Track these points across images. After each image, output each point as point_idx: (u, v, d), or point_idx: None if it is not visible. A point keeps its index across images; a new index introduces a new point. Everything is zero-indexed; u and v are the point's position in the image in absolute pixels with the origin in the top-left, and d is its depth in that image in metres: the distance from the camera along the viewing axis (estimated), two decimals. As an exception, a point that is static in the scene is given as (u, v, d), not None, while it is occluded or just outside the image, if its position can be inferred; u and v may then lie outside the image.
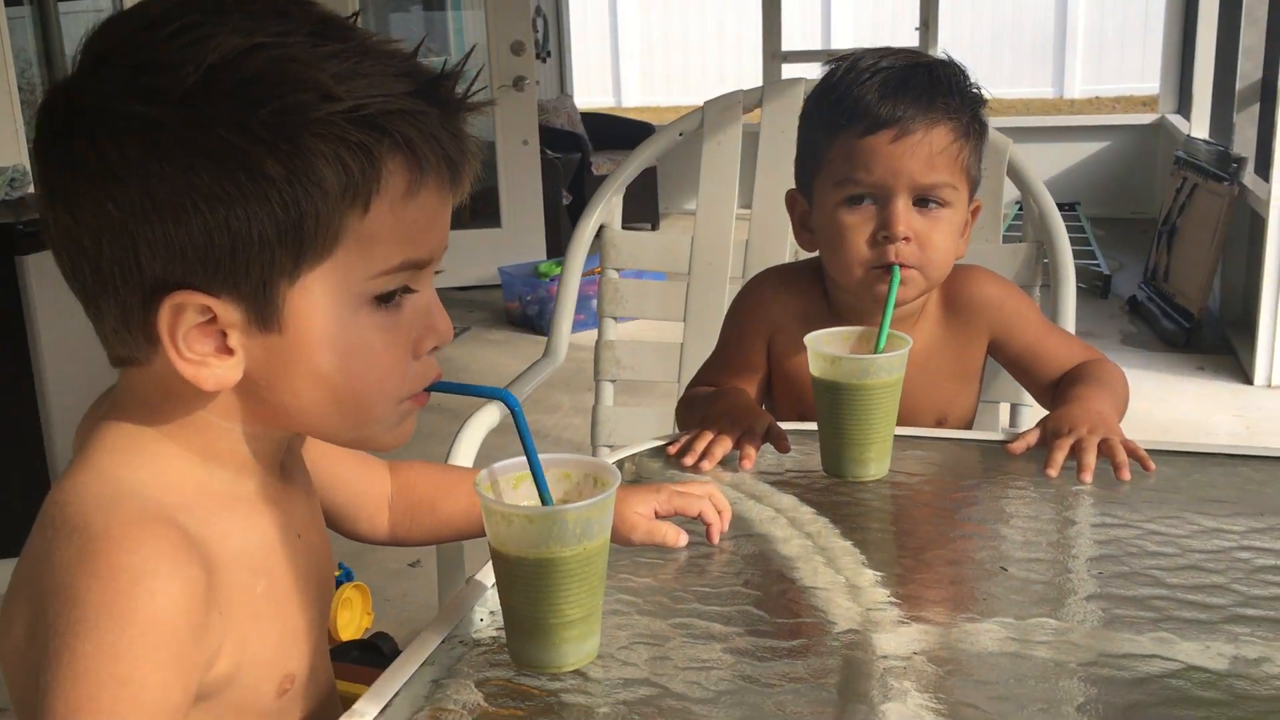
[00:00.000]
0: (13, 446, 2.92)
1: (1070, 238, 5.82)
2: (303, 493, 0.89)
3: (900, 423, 1.22)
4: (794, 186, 1.36)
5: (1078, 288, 5.50)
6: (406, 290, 0.77)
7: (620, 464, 1.23)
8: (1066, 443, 1.14)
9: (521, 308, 5.03)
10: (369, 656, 2.33)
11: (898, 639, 0.87)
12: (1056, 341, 1.35)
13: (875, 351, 1.14)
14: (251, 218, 0.69)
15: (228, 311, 0.72)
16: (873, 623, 0.90)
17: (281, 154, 0.68)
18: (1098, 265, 5.54)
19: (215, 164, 0.68)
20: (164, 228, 0.70)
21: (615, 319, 1.81)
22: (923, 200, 1.25)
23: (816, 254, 1.34)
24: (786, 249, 1.77)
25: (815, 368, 1.13)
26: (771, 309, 1.37)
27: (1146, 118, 6.98)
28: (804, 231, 1.34)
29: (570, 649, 0.83)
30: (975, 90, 1.28)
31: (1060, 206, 6.13)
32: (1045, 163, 7.00)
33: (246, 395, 0.77)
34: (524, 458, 0.85)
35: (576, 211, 6.20)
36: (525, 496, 0.85)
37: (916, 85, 1.22)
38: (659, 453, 1.24)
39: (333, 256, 0.73)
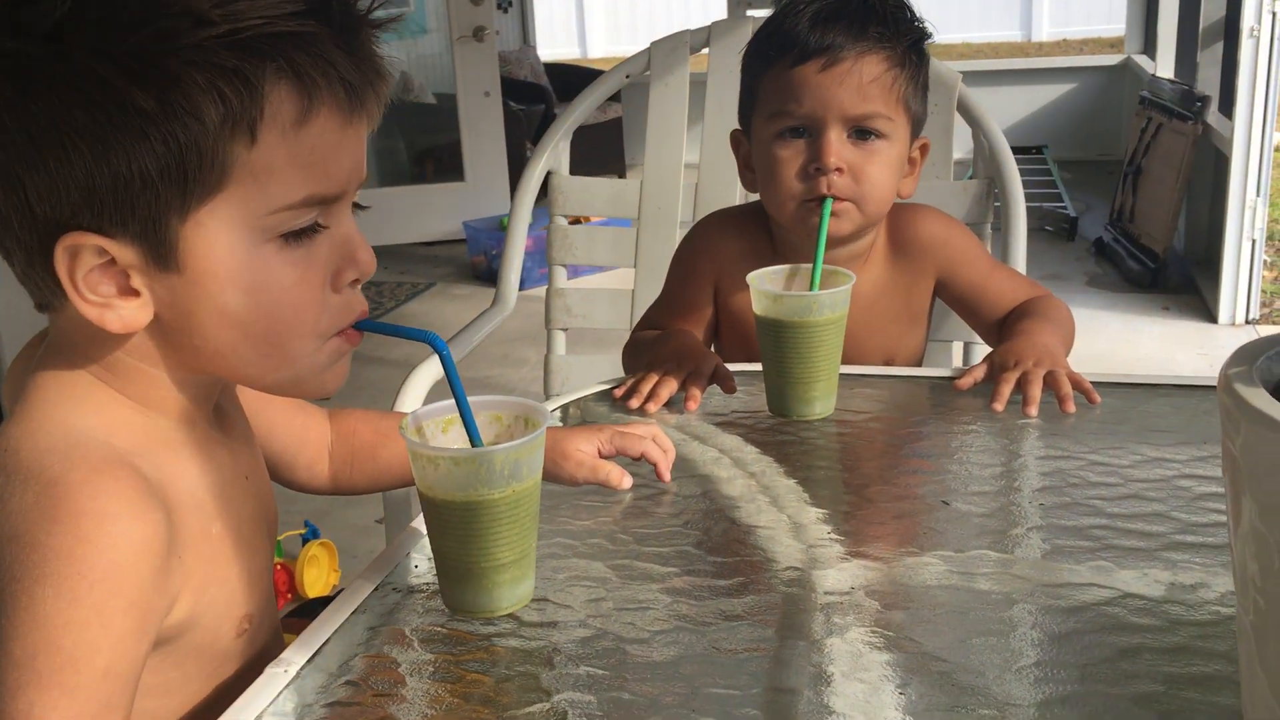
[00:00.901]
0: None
1: (1037, 181, 5.79)
2: (244, 436, 0.88)
3: (848, 364, 1.21)
4: (738, 127, 1.34)
5: (1044, 230, 5.46)
6: (317, 227, 0.75)
7: (565, 408, 1.22)
8: (1012, 376, 1.13)
9: (487, 261, 4.99)
10: (334, 613, 2.32)
11: (839, 575, 0.86)
12: (1002, 278, 1.34)
13: (811, 286, 1.12)
14: (130, 154, 0.67)
15: (124, 252, 0.70)
16: (814, 560, 0.89)
17: (152, 85, 0.65)
18: (1064, 208, 5.54)
19: (86, 99, 0.66)
20: (46, 168, 0.67)
21: (565, 266, 1.79)
22: (859, 132, 1.23)
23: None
24: (737, 192, 1.74)
25: (758, 306, 1.12)
26: (717, 251, 1.36)
27: (1113, 59, 6.96)
28: (747, 171, 1.32)
29: (503, 593, 0.82)
30: (917, 23, 1.25)
31: (1028, 150, 6.11)
32: (1013, 106, 6.98)
33: (162, 338, 0.75)
34: (453, 401, 0.84)
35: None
36: (455, 440, 0.83)
37: (849, 14, 1.21)
38: (605, 397, 1.23)
39: (224, 191, 0.70)
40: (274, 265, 0.73)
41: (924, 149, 1.31)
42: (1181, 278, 4.59)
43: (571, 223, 1.79)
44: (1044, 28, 10.37)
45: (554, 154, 1.79)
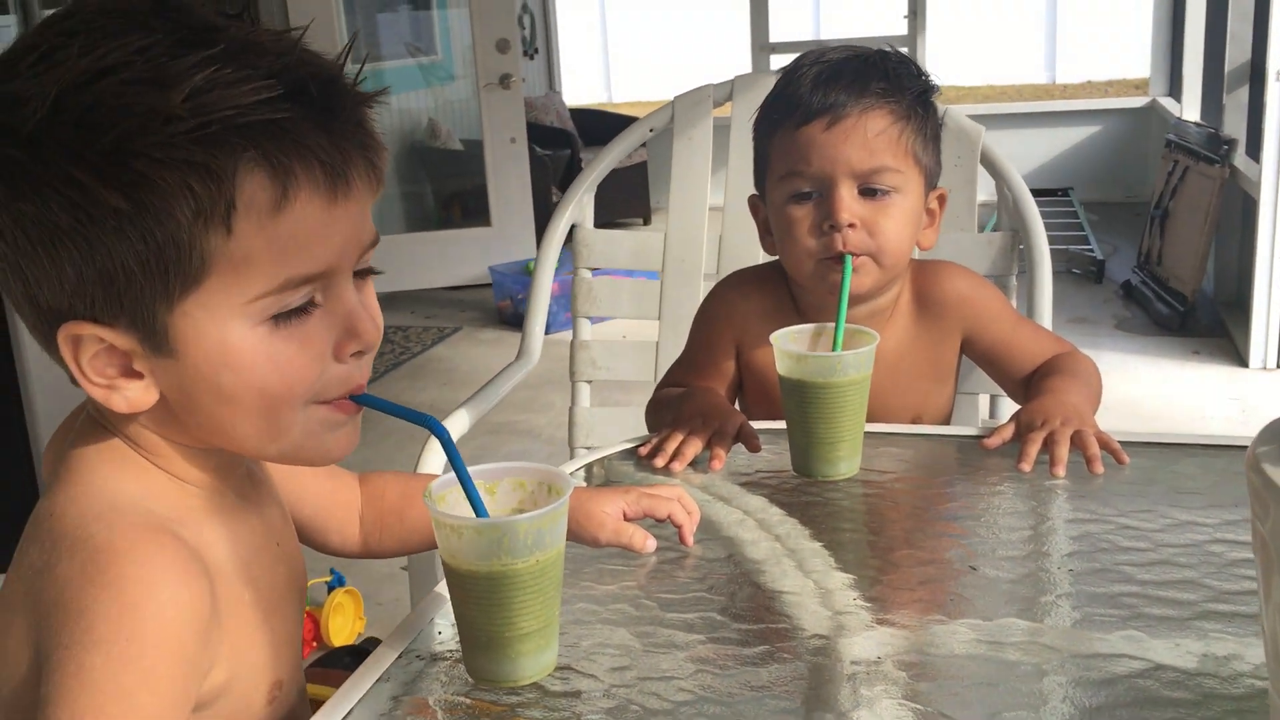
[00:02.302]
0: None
1: (1063, 223, 5.77)
2: (274, 502, 0.89)
3: (874, 421, 1.21)
4: (754, 192, 1.35)
5: (1071, 273, 5.44)
6: (311, 305, 0.74)
7: (590, 467, 1.21)
8: (1039, 436, 1.12)
9: (513, 306, 5.01)
10: (361, 661, 2.31)
11: (866, 643, 0.85)
12: (1028, 335, 1.33)
13: (834, 346, 1.12)
14: (111, 251, 0.68)
15: (121, 339, 0.72)
16: (841, 627, 0.88)
17: (123, 185, 0.67)
18: (1091, 250, 5.51)
19: (66, 200, 0.67)
20: (40, 263, 0.70)
21: (590, 319, 1.79)
22: (869, 189, 1.23)
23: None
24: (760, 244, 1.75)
25: (781, 366, 1.12)
26: (737, 311, 1.36)
27: (1138, 101, 6.95)
28: (766, 235, 1.33)
29: (527, 662, 0.82)
30: (921, 77, 1.26)
31: (1053, 192, 6.10)
32: (1038, 148, 6.98)
33: (171, 415, 0.76)
34: (477, 467, 0.84)
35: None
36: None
37: (849, 74, 1.22)
38: (629, 455, 1.23)
39: (207, 281, 0.70)
40: (266, 346, 0.73)
41: (942, 199, 1.31)
42: (1211, 321, 4.56)
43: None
44: (1068, 70, 10.39)
45: (578, 207, 1.80)
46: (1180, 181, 4.90)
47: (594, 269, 1.80)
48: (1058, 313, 5.36)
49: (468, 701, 0.81)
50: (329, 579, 2.73)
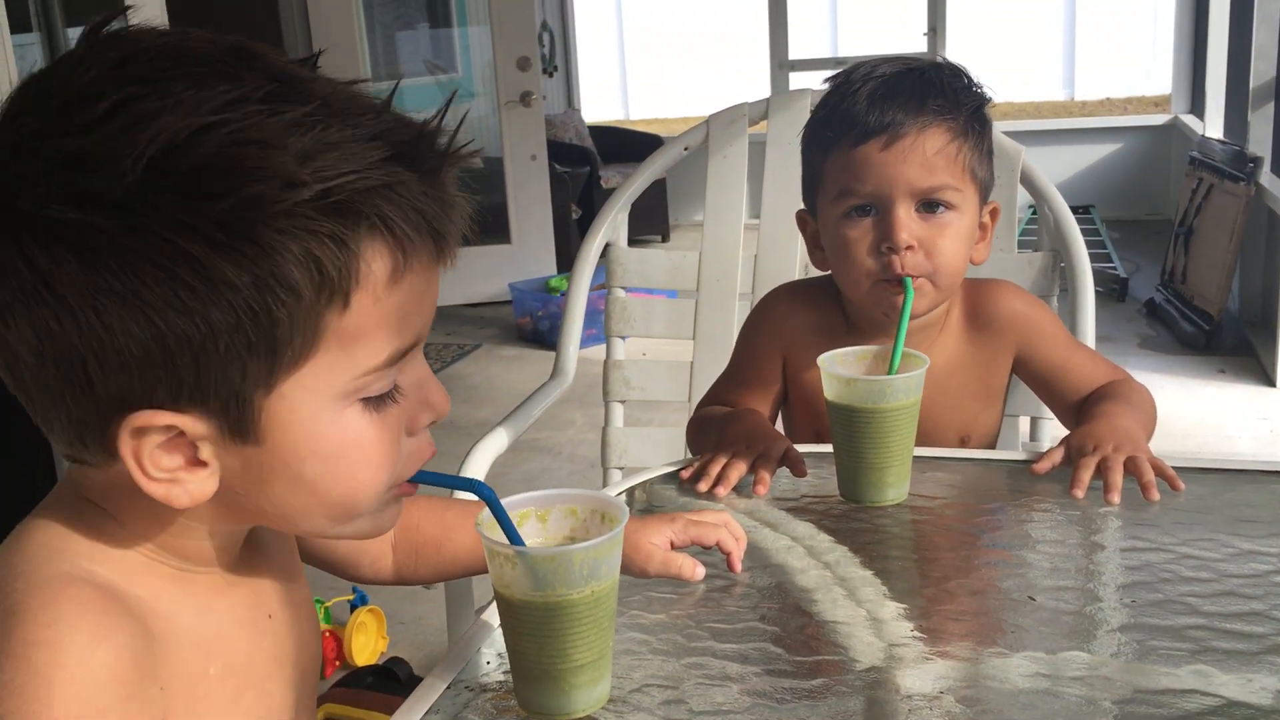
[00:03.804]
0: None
1: (1085, 241, 5.77)
2: (279, 566, 0.82)
3: (922, 442, 1.19)
4: (803, 207, 1.33)
5: (1094, 291, 5.43)
6: (396, 387, 0.70)
7: (631, 491, 1.20)
8: (1092, 461, 1.10)
9: (532, 323, 5.00)
10: (384, 682, 2.29)
11: (922, 676, 0.83)
12: (1083, 360, 1.31)
13: (889, 370, 1.10)
14: (215, 329, 0.61)
15: (196, 426, 0.65)
16: (896, 659, 0.86)
17: (243, 259, 0.60)
18: (1114, 268, 5.49)
19: (167, 274, 0.60)
20: (114, 344, 0.61)
21: (623, 338, 1.78)
22: (927, 205, 1.21)
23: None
24: (796, 263, 1.73)
25: (829, 390, 1.10)
26: (786, 324, 1.34)
27: (1159, 118, 6.92)
28: (816, 250, 1.31)
29: (580, 695, 0.80)
30: (975, 90, 1.24)
31: (1074, 210, 6.10)
32: (1059, 166, 6.95)
33: (220, 500, 0.69)
34: (529, 494, 0.82)
35: (586, 225, 6.20)
36: (527, 535, 0.82)
37: (906, 90, 1.19)
38: (671, 478, 1.21)
39: (313, 360, 0.65)
40: (354, 429, 0.68)
41: (994, 213, 1.29)
42: (1237, 340, 4.52)
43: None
44: (1088, 87, 10.37)
45: (611, 226, 1.78)
46: (1205, 199, 4.87)
47: (627, 288, 1.79)
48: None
49: (520, 735, 0.79)
50: (351, 597, 2.71)
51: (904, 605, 0.94)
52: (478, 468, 1.46)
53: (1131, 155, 6.91)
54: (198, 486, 0.67)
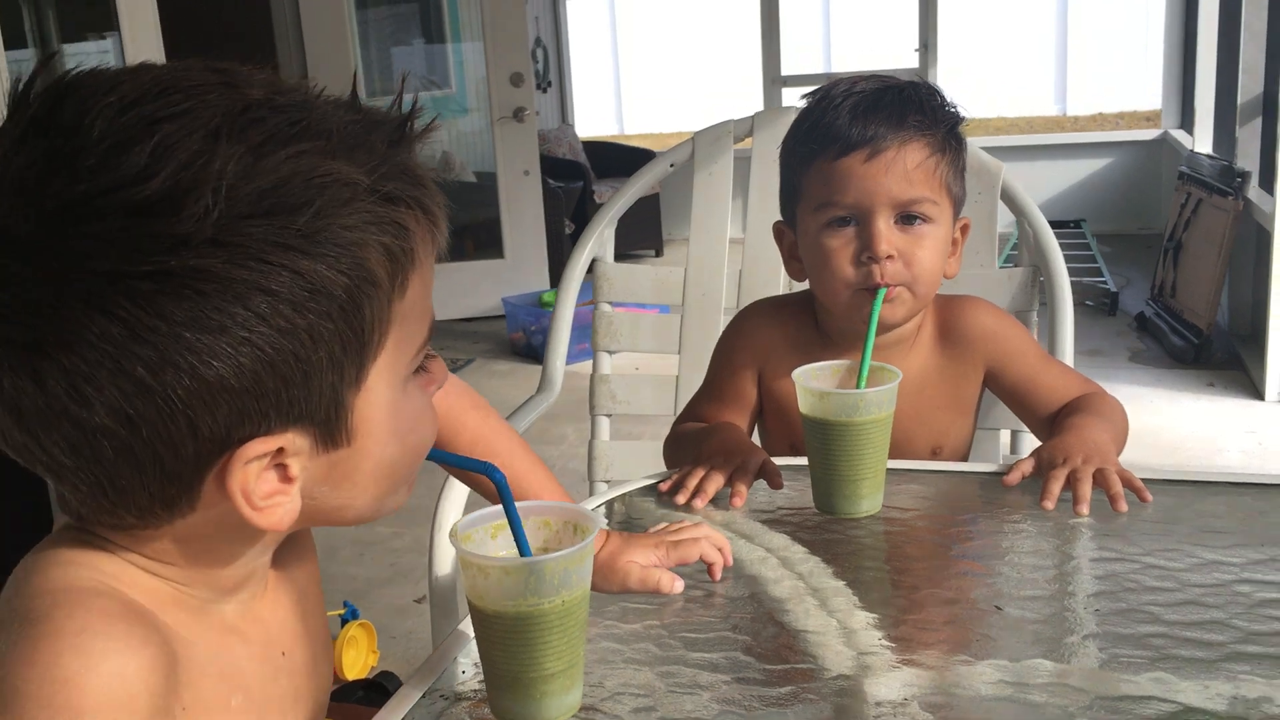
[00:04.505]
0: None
1: (1076, 255, 5.79)
2: (299, 596, 0.83)
3: (894, 453, 1.20)
4: (780, 219, 1.35)
5: (1084, 305, 5.46)
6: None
7: (611, 504, 1.21)
8: (1062, 473, 1.12)
9: (525, 338, 5.02)
10: (374, 696, 2.30)
11: (891, 684, 0.85)
12: (1055, 374, 1.33)
13: (859, 382, 1.12)
14: (316, 339, 0.63)
15: (296, 442, 0.66)
16: (865, 667, 0.88)
17: (336, 261, 0.62)
18: (1104, 282, 5.51)
19: (271, 297, 0.61)
20: (221, 382, 0.61)
21: (610, 353, 1.80)
22: (906, 218, 1.24)
23: (807, 284, 1.33)
24: (781, 278, 1.75)
25: (803, 404, 1.12)
26: (760, 339, 1.36)
27: (1149, 133, 6.97)
28: (793, 261, 1.33)
29: (552, 703, 0.81)
30: (951, 108, 1.27)
31: (1065, 224, 6.12)
32: (1050, 180, 6.99)
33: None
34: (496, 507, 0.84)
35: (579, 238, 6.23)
36: (503, 545, 0.83)
37: (887, 105, 1.22)
38: (650, 491, 1.23)
39: (385, 348, 0.68)
40: (416, 404, 0.72)
41: (965, 228, 1.32)
42: (1226, 354, 4.54)
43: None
44: (1079, 102, 10.42)
45: (599, 241, 1.80)
46: (1193, 214, 4.90)
47: (614, 302, 1.81)
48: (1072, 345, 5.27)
49: (493, 742, 0.81)
50: (342, 612, 2.72)
51: (874, 615, 0.96)
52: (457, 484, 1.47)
53: (1122, 170, 6.95)
54: (292, 504, 0.68)
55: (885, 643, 0.91)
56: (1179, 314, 4.76)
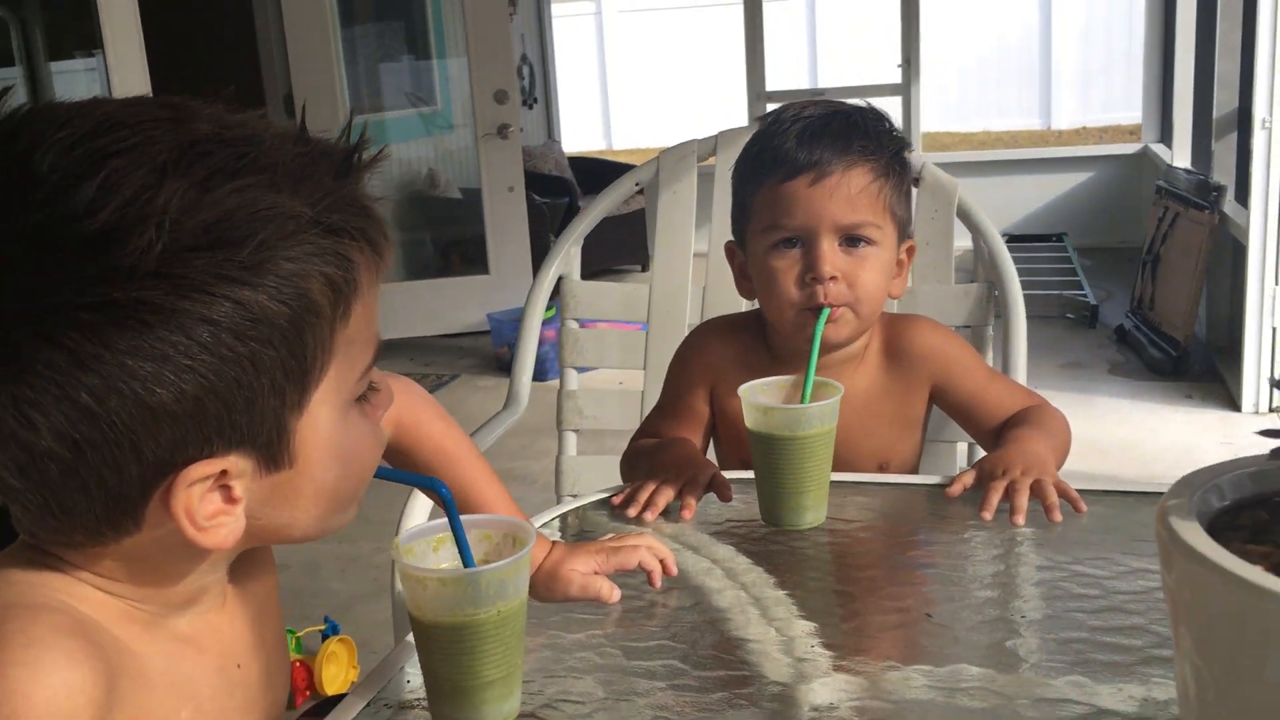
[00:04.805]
0: None
1: (1057, 268, 5.81)
2: (255, 610, 0.85)
3: (841, 467, 1.24)
4: (731, 239, 1.39)
5: (1065, 318, 5.48)
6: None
7: (564, 517, 1.24)
8: (1000, 485, 1.15)
9: (510, 353, 5.03)
10: (351, 710, 2.32)
11: (823, 690, 0.88)
12: (999, 389, 1.36)
13: (803, 398, 1.15)
14: (259, 366, 0.66)
15: (239, 464, 0.69)
16: (801, 675, 0.91)
17: (278, 292, 0.65)
18: (1084, 295, 5.56)
19: (213, 326, 0.63)
20: (165, 408, 0.64)
21: (577, 369, 1.83)
22: (850, 240, 1.27)
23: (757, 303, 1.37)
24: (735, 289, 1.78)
25: (749, 419, 1.15)
26: (711, 358, 1.39)
27: (1131, 147, 7.02)
28: (743, 281, 1.37)
29: (490, 710, 0.84)
30: (896, 134, 1.31)
31: (1047, 238, 6.14)
32: (1032, 194, 7.04)
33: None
34: (441, 520, 0.87)
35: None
36: (446, 558, 0.86)
37: (833, 131, 1.26)
38: (603, 504, 1.26)
39: (328, 374, 0.71)
40: (358, 428, 0.75)
41: (910, 251, 1.36)
42: (1204, 366, 4.58)
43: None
44: (1064, 116, 10.49)
45: (565, 259, 1.84)
46: (1170, 228, 4.95)
47: (581, 319, 1.84)
48: (1052, 357, 5.36)
49: (433, 747, 0.83)
50: (323, 627, 2.74)
51: (813, 624, 0.99)
52: (421, 497, 1.50)
53: (1104, 184, 7.00)
54: (235, 524, 0.71)
55: (821, 650, 0.94)
56: (1158, 327, 4.80)
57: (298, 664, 2.59)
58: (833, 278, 1.25)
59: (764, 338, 1.38)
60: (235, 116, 0.70)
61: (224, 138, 0.67)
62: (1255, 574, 0.52)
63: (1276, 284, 4.06)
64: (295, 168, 0.68)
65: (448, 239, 5.87)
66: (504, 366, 5.09)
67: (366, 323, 0.73)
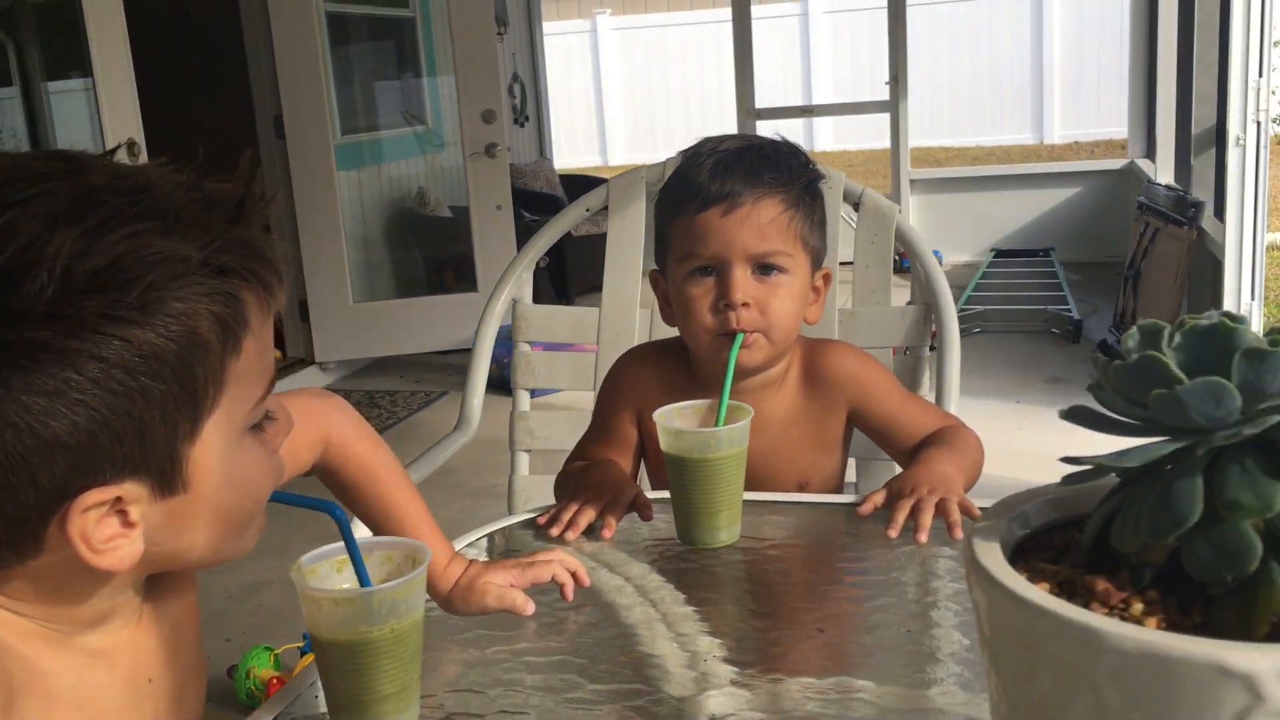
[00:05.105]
0: None
1: (1043, 283, 5.84)
2: (169, 626, 0.88)
3: (763, 487, 1.28)
4: (655, 268, 1.44)
5: (1050, 333, 5.53)
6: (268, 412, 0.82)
7: (491, 536, 1.29)
8: (907, 503, 1.19)
9: (499, 370, 5.08)
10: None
11: (719, 704, 0.92)
12: (914, 410, 1.40)
13: (717, 421, 1.20)
14: (149, 399, 0.70)
15: (133, 491, 0.73)
16: (698, 689, 0.95)
17: (166, 330, 0.69)
18: (1069, 310, 5.59)
19: (103, 363, 0.68)
20: (58, 440, 0.68)
21: (528, 391, 1.88)
22: (762, 268, 1.32)
23: None
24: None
25: (663, 442, 1.19)
26: (638, 382, 1.44)
27: (1118, 163, 7.06)
28: (667, 307, 1.41)
29: (387, 722, 0.88)
30: (809, 167, 1.35)
31: (1034, 252, 6.18)
32: (1020, 209, 7.09)
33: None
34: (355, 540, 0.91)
35: (555, 273, 6.31)
36: (349, 579, 0.91)
37: (745, 164, 1.31)
38: (530, 524, 1.30)
39: (220, 404, 0.75)
40: (251, 454, 0.80)
41: (826, 278, 1.40)
42: (1183, 380, 4.61)
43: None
44: (1055, 131, 10.55)
45: (517, 284, 1.88)
46: (1151, 243, 4.99)
47: (533, 342, 1.89)
48: (1036, 372, 5.38)
49: (332, 759, 0.88)
50: (301, 644, 2.78)
51: (717, 640, 1.03)
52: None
53: (1091, 199, 7.04)
54: (132, 546, 0.74)
55: (721, 665, 0.98)
56: (1139, 341, 4.83)
57: (275, 681, 2.64)
58: (745, 304, 1.29)
59: (688, 363, 1.43)
60: (130, 167, 0.75)
61: (117, 187, 0.72)
62: (1030, 591, 0.56)
63: (1253, 299, 4.10)
64: (186, 213, 0.72)
65: (438, 257, 5.92)
66: (493, 383, 5.12)
67: (259, 356, 0.78)
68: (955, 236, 7.07)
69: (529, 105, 7.20)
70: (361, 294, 5.41)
